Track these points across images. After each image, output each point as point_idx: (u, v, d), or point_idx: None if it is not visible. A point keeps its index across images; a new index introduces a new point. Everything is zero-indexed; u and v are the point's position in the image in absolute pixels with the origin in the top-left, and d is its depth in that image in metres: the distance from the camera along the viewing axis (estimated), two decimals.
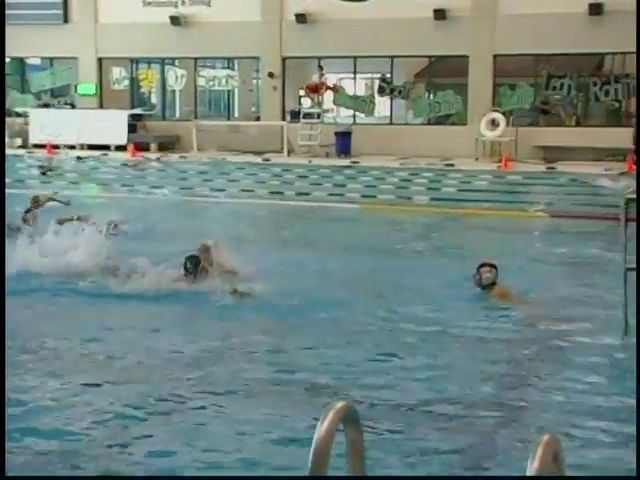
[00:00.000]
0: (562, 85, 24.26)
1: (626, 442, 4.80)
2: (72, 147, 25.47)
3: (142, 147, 25.62)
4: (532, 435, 4.71)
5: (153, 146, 26.42)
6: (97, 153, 24.99)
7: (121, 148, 25.62)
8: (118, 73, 28.88)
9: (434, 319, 7.52)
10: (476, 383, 5.90)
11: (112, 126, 26.06)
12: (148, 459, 4.67)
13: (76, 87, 28.73)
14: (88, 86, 28.41)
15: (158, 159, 24.05)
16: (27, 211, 11.07)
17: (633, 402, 5.24)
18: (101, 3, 27.97)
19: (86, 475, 4.52)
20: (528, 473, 2.10)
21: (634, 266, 6.59)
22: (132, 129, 26.75)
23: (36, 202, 11.29)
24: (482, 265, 8.21)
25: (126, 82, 29.13)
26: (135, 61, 28.99)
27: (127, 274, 8.48)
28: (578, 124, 24.85)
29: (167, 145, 26.90)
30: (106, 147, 25.70)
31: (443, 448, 4.82)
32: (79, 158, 24.04)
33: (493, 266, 8.21)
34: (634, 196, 6.97)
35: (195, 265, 8.46)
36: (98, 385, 5.83)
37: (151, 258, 8.75)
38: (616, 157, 22.59)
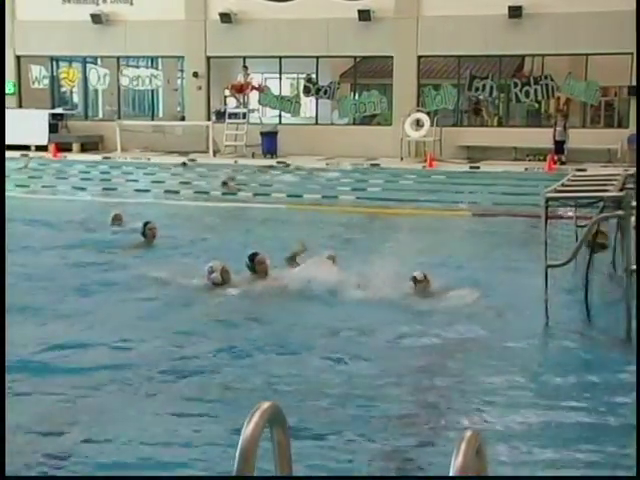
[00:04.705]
0: (484, 86, 24.69)
1: (554, 436, 4.89)
2: None
3: (64, 147, 25.13)
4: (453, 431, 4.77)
5: (75, 146, 25.95)
6: (17, 154, 24.36)
7: (42, 148, 25.06)
8: (38, 72, 28.25)
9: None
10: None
11: (32, 126, 25.46)
12: None
13: None
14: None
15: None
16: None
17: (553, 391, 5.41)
18: (19, 0, 27.32)
19: (86, 475, 4.44)
20: (452, 469, 2.11)
21: (554, 263, 6.75)
22: (53, 129, 26.25)
23: None
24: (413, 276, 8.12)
25: (46, 81, 28.53)
26: (55, 59, 28.42)
27: None
28: (500, 124, 25.35)
29: (90, 145, 26.45)
30: (26, 147, 25.10)
31: None
32: None
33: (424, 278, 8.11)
34: (554, 195, 7.12)
35: None
36: None
37: None
38: (536, 157, 23.15)
